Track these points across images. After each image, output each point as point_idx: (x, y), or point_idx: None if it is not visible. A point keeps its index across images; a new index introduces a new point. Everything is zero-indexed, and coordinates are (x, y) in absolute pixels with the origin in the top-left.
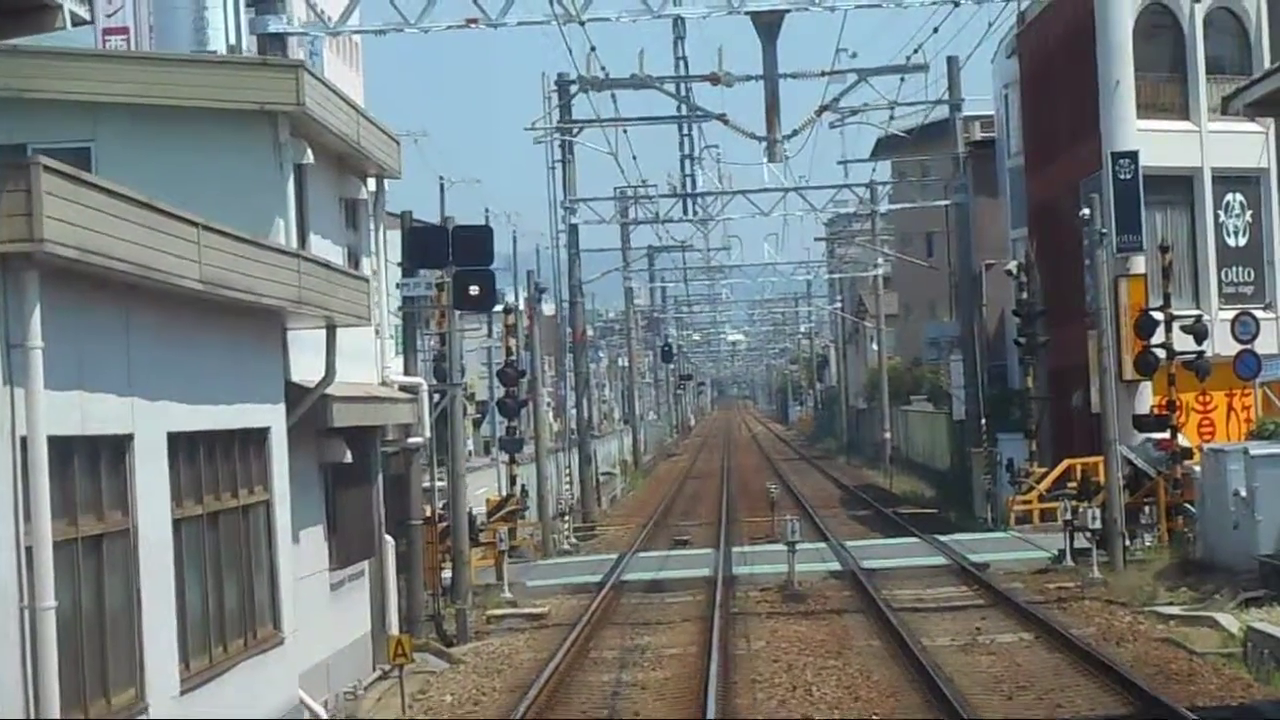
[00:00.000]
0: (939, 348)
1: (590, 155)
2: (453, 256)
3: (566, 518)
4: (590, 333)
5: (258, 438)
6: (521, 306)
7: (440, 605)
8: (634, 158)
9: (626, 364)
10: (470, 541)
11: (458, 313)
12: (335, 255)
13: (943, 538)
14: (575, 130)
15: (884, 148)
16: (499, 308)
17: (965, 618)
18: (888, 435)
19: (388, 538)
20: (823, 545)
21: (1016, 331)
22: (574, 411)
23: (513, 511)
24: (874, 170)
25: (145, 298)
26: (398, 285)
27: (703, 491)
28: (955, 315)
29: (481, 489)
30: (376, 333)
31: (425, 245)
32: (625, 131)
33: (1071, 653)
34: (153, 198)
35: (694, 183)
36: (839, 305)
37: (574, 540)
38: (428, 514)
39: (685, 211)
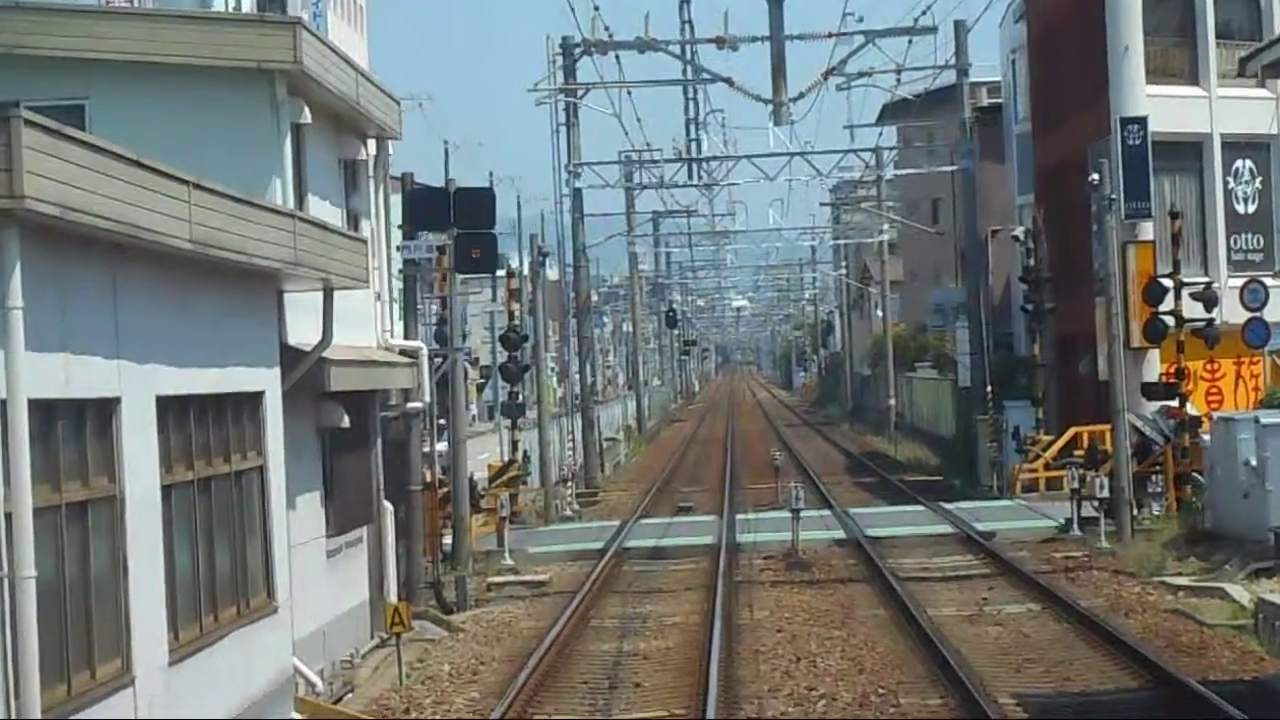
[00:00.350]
0: (945, 314)
1: (595, 120)
2: (454, 219)
3: (569, 483)
4: (595, 298)
5: (251, 402)
6: (525, 271)
7: (440, 572)
8: (638, 121)
9: (630, 330)
10: (471, 507)
11: (460, 276)
12: (334, 217)
13: (948, 505)
14: (580, 94)
15: (890, 114)
16: (501, 271)
17: (971, 587)
18: (892, 402)
19: (386, 504)
20: (827, 513)
21: (1023, 298)
22: (578, 377)
23: (514, 478)
24: (880, 135)
25: (133, 258)
26: (398, 248)
27: (706, 457)
28: (961, 282)
29: (485, 454)
30: (377, 296)
31: (426, 208)
32: (630, 94)
33: (1080, 624)
34: (143, 155)
35: (699, 147)
36: (844, 271)
37: (576, 506)
38: (428, 480)
39: (690, 176)
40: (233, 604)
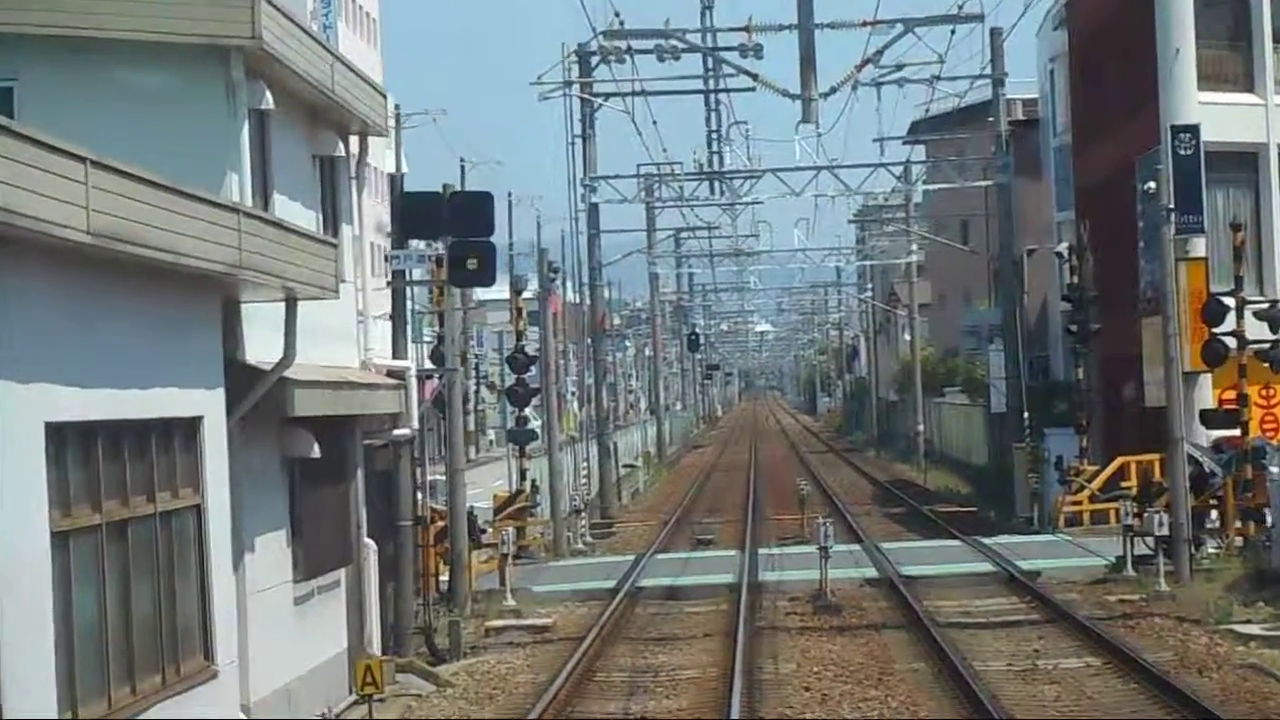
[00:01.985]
0: (978, 337)
1: (613, 131)
2: (449, 226)
3: (582, 514)
4: (617, 321)
5: (185, 430)
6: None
7: (433, 616)
8: (656, 128)
9: (652, 353)
10: (472, 543)
11: (474, 294)
12: (307, 220)
13: (986, 540)
14: (597, 104)
15: (919, 131)
16: (527, 293)
17: (1020, 636)
18: (921, 428)
19: (369, 542)
20: (856, 548)
21: (1067, 319)
22: (604, 403)
23: (522, 509)
24: (910, 152)
25: (20, 253)
26: (387, 258)
27: (728, 486)
28: (994, 303)
29: (498, 481)
30: (360, 311)
31: (419, 213)
32: (648, 103)
33: (1148, 683)
34: (75, 141)
35: (721, 160)
36: (869, 294)
37: (589, 539)
38: (421, 513)
39: (712, 192)
40: (156, 672)
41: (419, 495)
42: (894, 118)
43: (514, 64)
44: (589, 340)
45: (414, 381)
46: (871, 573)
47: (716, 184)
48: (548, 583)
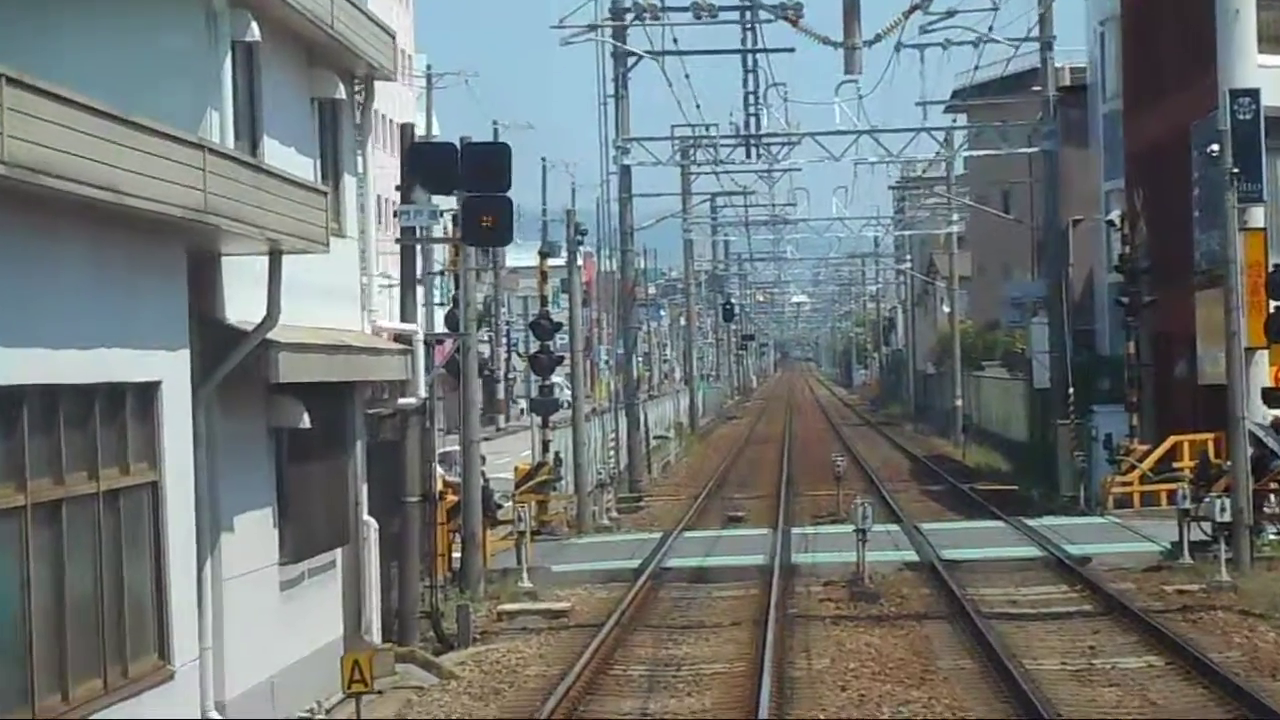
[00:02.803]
0: (1021, 309)
1: (646, 92)
2: (463, 180)
3: (609, 488)
4: (652, 290)
5: (139, 396)
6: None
7: (441, 599)
8: (686, 76)
9: (686, 323)
10: (488, 519)
11: (487, 251)
12: (302, 167)
13: (1030, 522)
14: (630, 63)
15: (964, 98)
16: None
17: (1073, 630)
18: (959, 403)
19: (369, 520)
20: (894, 528)
21: (1116, 291)
22: (634, 372)
23: (544, 482)
24: (953, 120)
25: None
26: (396, 213)
27: (762, 459)
28: (1037, 275)
29: (525, 452)
30: (364, 269)
31: (430, 166)
32: (683, 63)
33: (1220, 688)
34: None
35: (758, 124)
36: (909, 264)
37: (615, 515)
38: (432, 488)
39: (748, 156)
40: (98, 675)
41: (433, 468)
42: (937, 83)
43: (550, 25)
44: (619, 307)
45: (421, 346)
46: (911, 556)
47: (753, 148)
48: (568, 562)
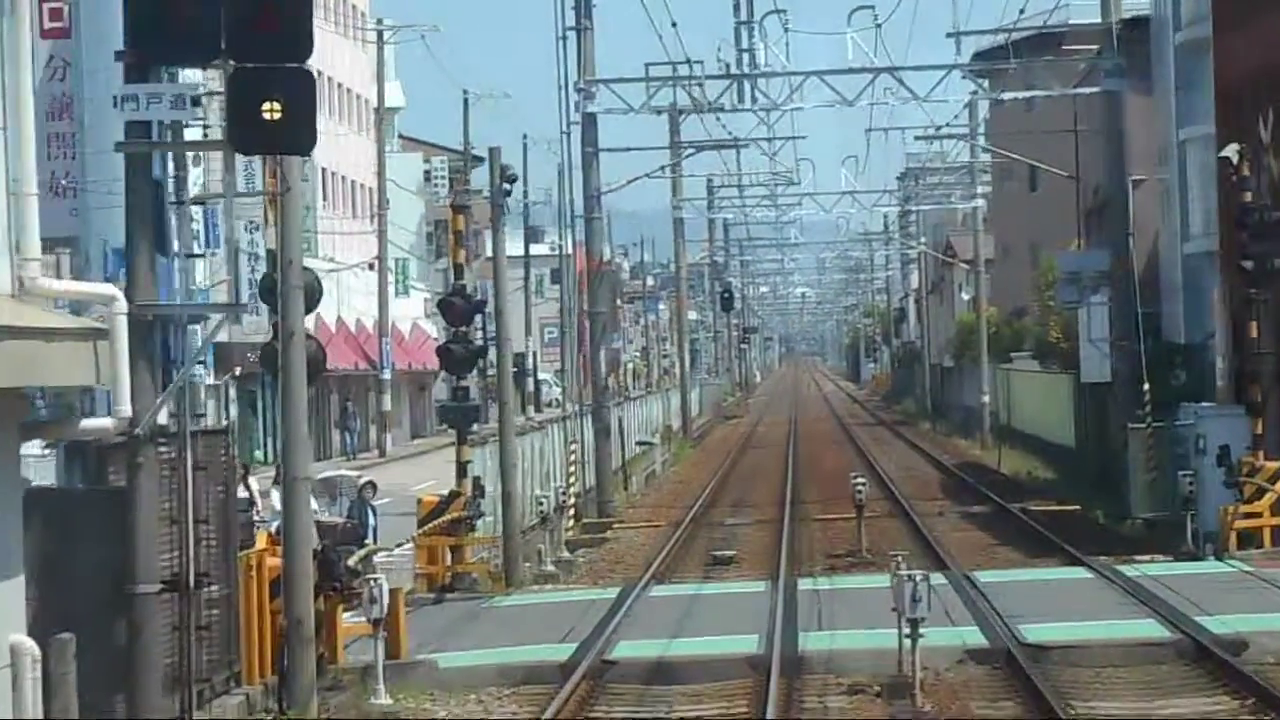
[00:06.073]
0: (1076, 285)
1: (616, 26)
2: (226, 41)
3: (559, 516)
4: (650, 282)
5: None
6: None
7: None
8: (674, 25)
9: (677, 314)
10: (334, 593)
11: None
12: None
13: (1128, 571)
14: None
15: (990, 59)
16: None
17: None
18: (986, 399)
19: (23, 645)
20: (941, 580)
21: (1234, 253)
22: (605, 365)
23: (457, 520)
24: (974, 91)
25: None
26: (116, 100)
27: (762, 469)
28: (1084, 246)
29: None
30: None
31: (167, 17)
32: None
33: None
34: None
35: (753, 59)
36: (923, 243)
37: (565, 555)
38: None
39: (740, 100)
40: None
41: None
42: (969, 12)
43: None
44: (595, 287)
45: (123, 324)
46: (974, 634)
47: (747, 88)
48: (472, 644)
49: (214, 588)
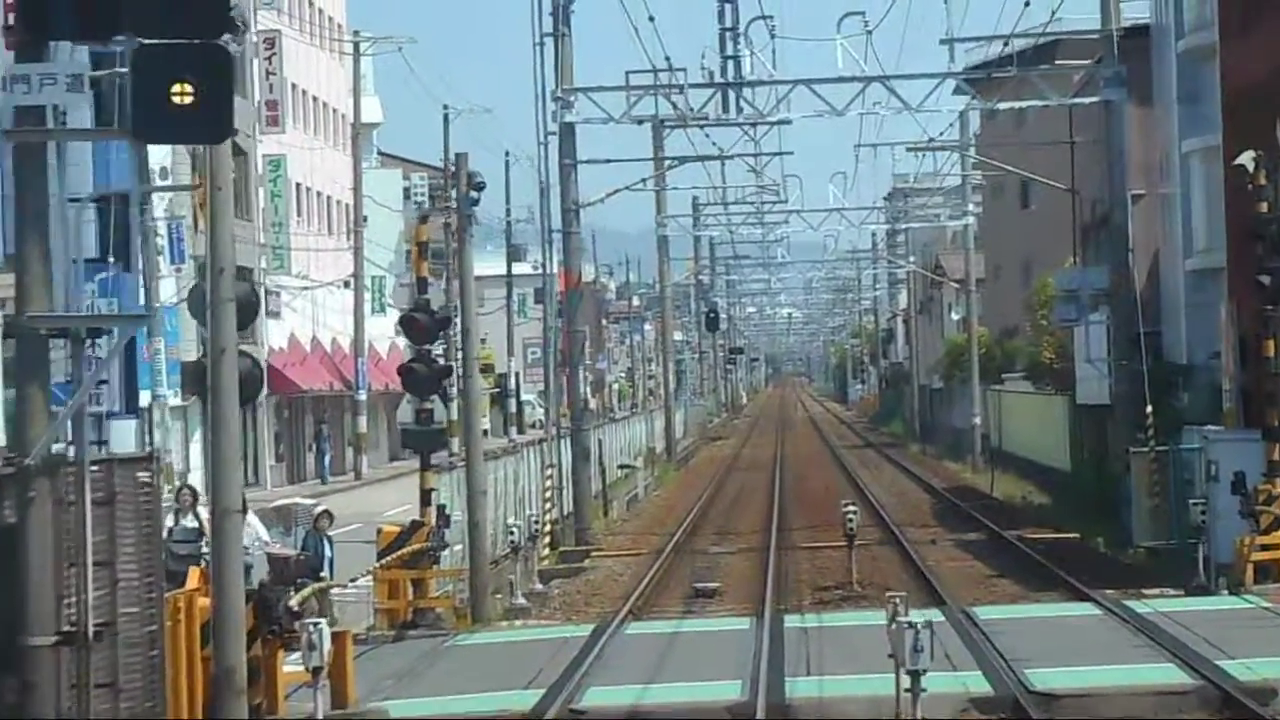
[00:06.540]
0: (1075, 304)
1: (595, 33)
2: (128, 13)
3: (530, 547)
4: (636, 302)
5: None
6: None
7: None
8: (651, 19)
9: (663, 335)
10: (272, 636)
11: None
12: None
13: (1139, 608)
14: None
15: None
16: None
17: None
18: (978, 421)
19: None
20: (938, 616)
21: (1251, 265)
22: (581, 387)
23: (419, 553)
24: (969, 100)
25: None
26: (4, 82)
27: (748, 493)
28: (1081, 263)
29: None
30: None
31: None
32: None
33: None
34: None
35: (738, 67)
36: (912, 262)
37: (537, 587)
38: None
39: (725, 110)
40: None
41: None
42: (963, 19)
43: None
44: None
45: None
46: (977, 680)
47: (733, 97)
48: (429, 691)
49: (131, 634)
